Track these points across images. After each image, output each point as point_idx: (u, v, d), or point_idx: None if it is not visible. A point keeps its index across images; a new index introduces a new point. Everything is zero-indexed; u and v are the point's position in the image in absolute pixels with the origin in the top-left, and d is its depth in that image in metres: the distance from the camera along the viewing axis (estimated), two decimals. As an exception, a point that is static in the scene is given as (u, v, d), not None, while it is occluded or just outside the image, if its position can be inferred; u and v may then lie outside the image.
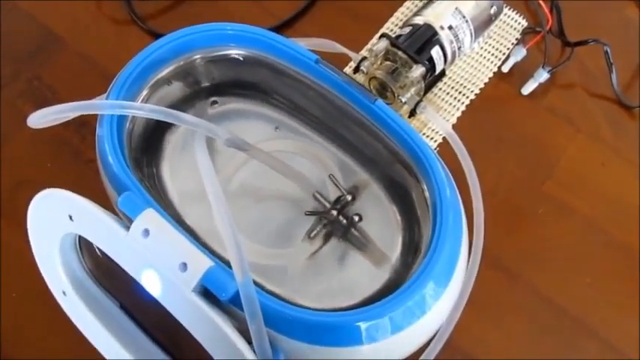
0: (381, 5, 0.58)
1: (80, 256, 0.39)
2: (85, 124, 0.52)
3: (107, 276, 0.40)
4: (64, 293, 0.39)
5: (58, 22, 0.58)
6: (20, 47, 0.56)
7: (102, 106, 0.34)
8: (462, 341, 0.44)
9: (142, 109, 0.35)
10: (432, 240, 0.35)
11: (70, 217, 0.34)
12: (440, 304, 0.35)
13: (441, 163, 0.38)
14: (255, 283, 0.37)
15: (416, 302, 0.33)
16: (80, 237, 0.38)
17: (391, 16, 0.57)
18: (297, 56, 0.39)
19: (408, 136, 0.37)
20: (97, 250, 0.38)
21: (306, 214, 0.40)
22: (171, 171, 0.41)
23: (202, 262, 0.30)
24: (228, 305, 0.32)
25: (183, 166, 0.41)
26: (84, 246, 0.39)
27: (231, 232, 0.30)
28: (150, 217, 0.31)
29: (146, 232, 0.30)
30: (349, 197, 0.41)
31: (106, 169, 0.35)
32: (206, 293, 0.31)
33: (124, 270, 0.33)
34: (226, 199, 0.31)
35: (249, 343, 0.30)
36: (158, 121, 0.41)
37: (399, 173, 0.40)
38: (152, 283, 0.31)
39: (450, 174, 0.39)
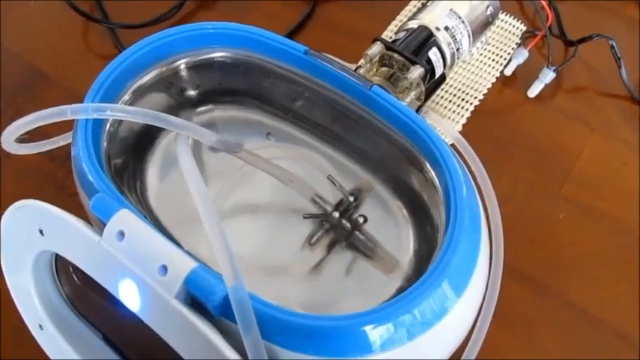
0: (375, 22, 0.57)
1: (57, 284, 0.35)
2: (70, 157, 0.49)
3: (87, 304, 0.36)
4: (40, 327, 0.35)
5: (44, 59, 0.56)
6: (5, 84, 0.54)
7: (73, 110, 0.31)
8: (491, 360, 0.39)
9: (117, 111, 0.32)
10: (445, 238, 0.31)
11: (41, 232, 0.30)
12: (459, 309, 0.30)
13: (455, 155, 0.34)
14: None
15: (431, 303, 0.29)
16: (57, 263, 0.35)
17: (385, 29, 0.56)
18: (284, 49, 0.36)
19: (414, 124, 0.33)
20: (74, 275, 0.35)
21: (305, 218, 0.36)
22: (157, 194, 0.38)
23: (185, 264, 0.26)
24: (219, 319, 0.28)
25: (170, 187, 0.38)
26: (61, 272, 0.35)
27: (218, 231, 0.26)
28: (124, 218, 0.27)
29: (121, 235, 0.27)
30: (351, 198, 0.37)
31: (81, 179, 0.32)
32: (193, 304, 0.27)
33: (103, 296, 0.29)
34: (211, 197, 0.28)
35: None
36: (140, 137, 0.38)
37: (405, 170, 0.36)
38: (130, 295, 0.27)
39: (465, 169, 0.35)
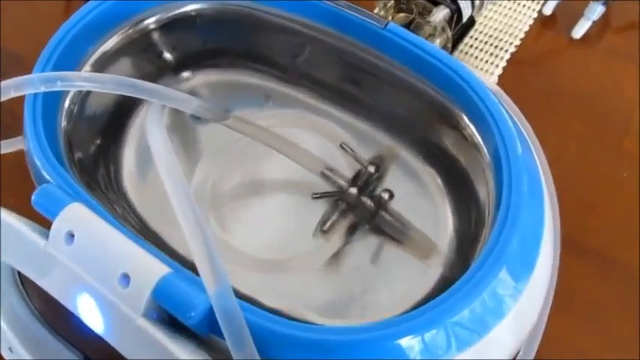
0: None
1: (25, 297, 0.30)
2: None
3: (62, 320, 0.30)
4: (10, 350, 0.30)
5: (23, 45, 0.50)
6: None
7: (17, 85, 0.25)
8: (552, 352, 0.33)
9: (70, 80, 0.25)
10: (499, 213, 0.24)
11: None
12: (522, 304, 0.24)
13: (504, 107, 0.27)
14: (253, 303, 0.27)
15: (486, 301, 0.22)
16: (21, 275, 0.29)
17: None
18: (275, -12, 0.29)
19: (447, 67, 0.26)
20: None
21: (314, 198, 0.29)
22: (138, 187, 0.32)
23: (152, 270, 0.20)
24: (207, 335, 0.21)
25: (155, 177, 0.32)
26: (28, 283, 0.30)
27: (192, 219, 0.20)
28: (75, 215, 0.21)
29: (70, 236, 0.21)
30: (371, 169, 0.30)
31: (35, 175, 0.26)
32: (170, 319, 0.21)
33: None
34: (183, 177, 0.21)
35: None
36: (112, 115, 0.32)
37: (437, 128, 0.30)
38: (90, 312, 0.21)
39: (516, 121, 0.28)
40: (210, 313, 0.20)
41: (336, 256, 0.30)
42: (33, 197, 0.22)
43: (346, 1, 0.28)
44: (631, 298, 0.36)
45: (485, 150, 0.27)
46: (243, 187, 0.32)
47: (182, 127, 0.34)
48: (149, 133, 0.25)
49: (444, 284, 0.27)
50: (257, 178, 0.32)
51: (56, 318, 0.30)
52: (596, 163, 0.41)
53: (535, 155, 0.28)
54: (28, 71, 0.49)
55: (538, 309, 0.26)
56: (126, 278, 0.20)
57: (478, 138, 0.27)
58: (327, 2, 0.28)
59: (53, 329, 0.30)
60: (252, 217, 0.31)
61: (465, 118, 0.27)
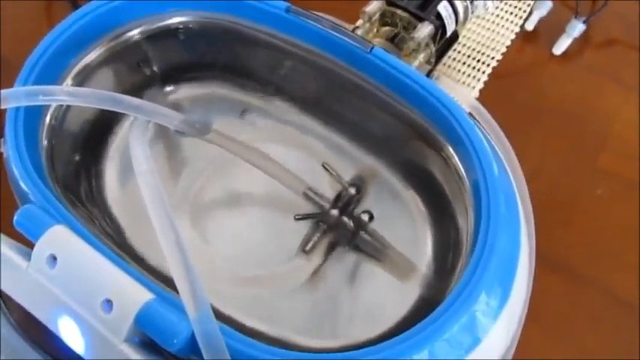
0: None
1: (3, 309, 0.29)
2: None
3: (44, 333, 0.30)
4: (-13, 361, 0.30)
5: (5, 46, 0.49)
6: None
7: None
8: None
9: (52, 94, 0.25)
10: (477, 235, 0.25)
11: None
12: (500, 325, 0.24)
13: (481, 130, 0.28)
14: (232, 322, 0.27)
15: (465, 326, 0.23)
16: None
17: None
18: (261, 7, 0.29)
19: (428, 92, 0.27)
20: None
21: (296, 219, 0.30)
22: (123, 205, 0.32)
23: (135, 296, 0.20)
24: (188, 358, 0.21)
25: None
26: (7, 295, 0.29)
27: (173, 242, 0.20)
28: (57, 238, 0.21)
29: (53, 259, 0.21)
30: (352, 190, 0.31)
31: (16, 188, 0.26)
32: (153, 344, 0.21)
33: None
34: (167, 199, 0.21)
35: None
36: (94, 130, 0.32)
37: (417, 150, 0.30)
38: (71, 334, 0.21)
39: (493, 144, 0.29)
40: (193, 337, 0.20)
41: (316, 275, 0.30)
42: (15, 218, 0.22)
43: (331, 22, 0.28)
44: (603, 313, 0.36)
45: (463, 172, 0.27)
46: (227, 200, 0.32)
47: (167, 136, 0.34)
48: (133, 151, 0.25)
49: (422, 305, 0.28)
50: (240, 191, 0.32)
51: (37, 331, 0.30)
52: (573, 178, 0.41)
53: (510, 173, 0.29)
54: (12, 71, 0.49)
55: (515, 325, 0.26)
56: (109, 303, 0.20)
57: (459, 165, 0.27)
58: (311, 22, 0.28)
59: (33, 342, 0.30)
60: (234, 231, 0.31)
61: (444, 141, 0.28)
